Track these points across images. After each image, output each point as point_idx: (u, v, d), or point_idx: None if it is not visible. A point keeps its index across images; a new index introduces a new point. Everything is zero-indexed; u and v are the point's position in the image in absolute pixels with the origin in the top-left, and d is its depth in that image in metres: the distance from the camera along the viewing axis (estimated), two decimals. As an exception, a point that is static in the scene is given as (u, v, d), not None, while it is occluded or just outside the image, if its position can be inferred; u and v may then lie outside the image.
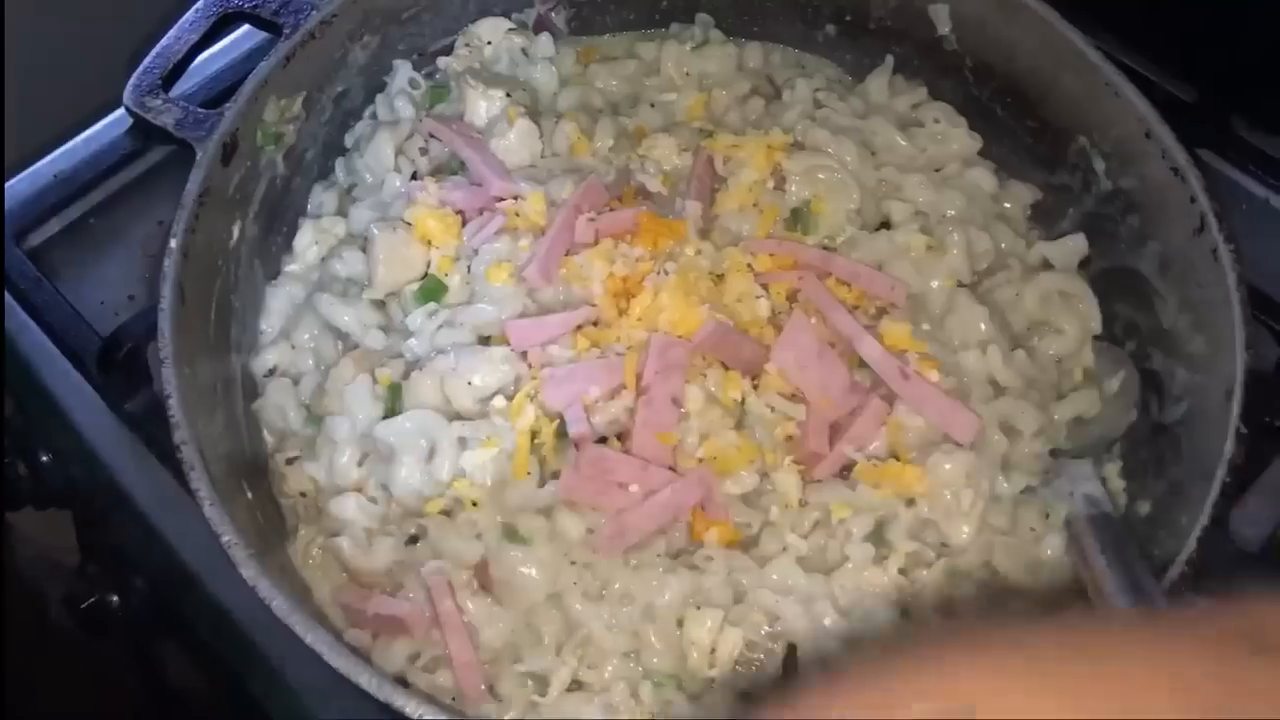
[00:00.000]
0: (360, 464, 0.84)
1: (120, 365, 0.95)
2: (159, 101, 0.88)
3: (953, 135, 0.98)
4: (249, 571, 0.71)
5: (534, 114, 0.98)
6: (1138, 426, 0.89)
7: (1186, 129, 0.88)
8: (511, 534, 0.80)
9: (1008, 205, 0.99)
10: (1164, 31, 1.08)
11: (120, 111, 1.12)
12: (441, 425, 0.82)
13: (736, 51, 1.04)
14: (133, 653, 1.17)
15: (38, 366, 1.00)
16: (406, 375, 0.85)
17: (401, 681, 0.76)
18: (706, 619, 0.77)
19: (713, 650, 0.77)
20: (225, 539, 0.71)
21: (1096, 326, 0.93)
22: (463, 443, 0.83)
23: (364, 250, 0.91)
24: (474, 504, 0.81)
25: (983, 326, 0.89)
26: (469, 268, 0.90)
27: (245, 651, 0.85)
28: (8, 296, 1.03)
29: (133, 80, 0.89)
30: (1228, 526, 0.75)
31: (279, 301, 0.92)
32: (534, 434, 0.83)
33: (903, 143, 0.97)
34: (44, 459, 1.06)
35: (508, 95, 0.97)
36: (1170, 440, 0.85)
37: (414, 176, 0.95)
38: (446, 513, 0.82)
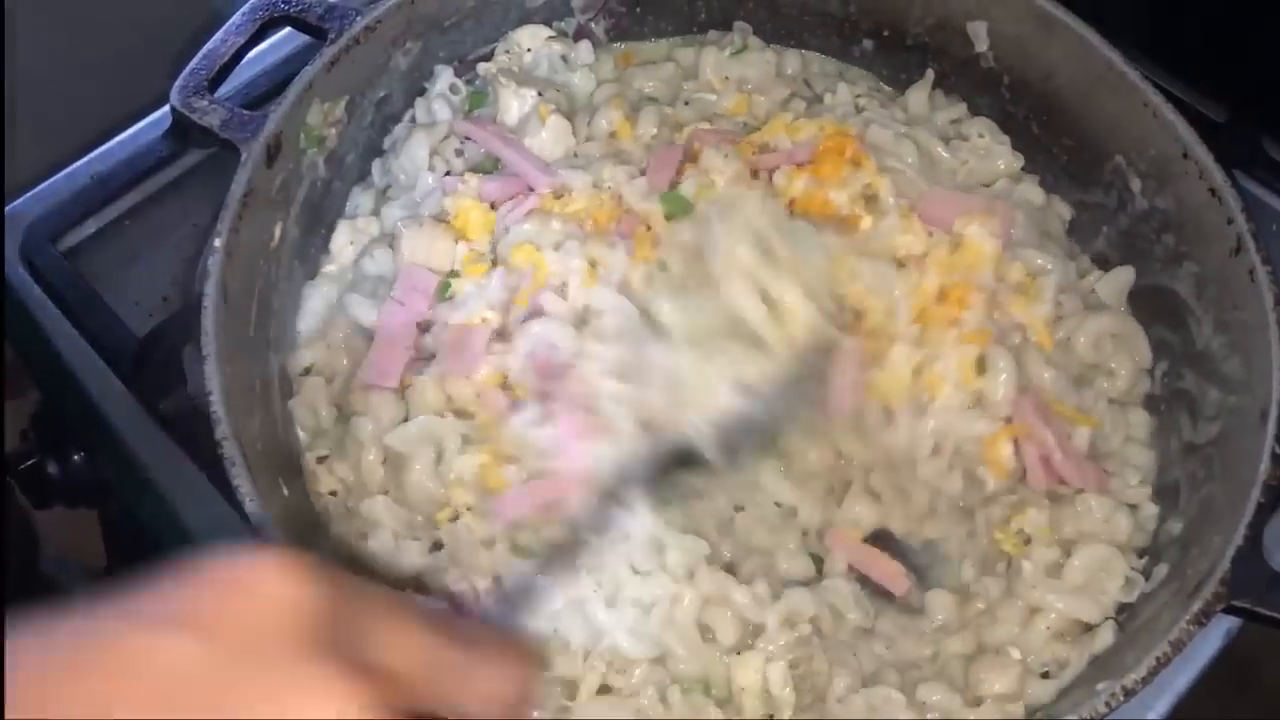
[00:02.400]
0: (384, 463, 0.85)
1: (155, 366, 0.96)
2: (205, 102, 0.89)
3: (997, 151, 0.99)
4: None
5: (569, 113, 0.99)
6: (1169, 446, 0.89)
7: (1217, 149, 0.88)
8: (516, 548, 0.81)
9: (1051, 224, 0.99)
10: (1196, 51, 1.08)
11: (157, 114, 1.14)
12: (446, 426, 0.83)
13: (775, 58, 1.05)
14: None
15: (72, 366, 1.01)
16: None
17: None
18: (750, 660, 0.78)
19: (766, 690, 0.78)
20: (266, 535, 0.72)
21: (1146, 363, 0.93)
22: (465, 441, 0.83)
23: (393, 248, 0.92)
24: (468, 509, 0.82)
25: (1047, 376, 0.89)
26: (495, 249, 0.91)
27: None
28: (45, 295, 1.04)
29: (179, 81, 0.90)
30: (1262, 546, 0.75)
31: (315, 301, 0.93)
32: None
33: (945, 155, 0.98)
34: (76, 458, 1.07)
35: (539, 94, 0.98)
36: (1202, 460, 0.85)
37: (448, 174, 0.96)
38: (455, 519, 0.83)
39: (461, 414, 0.85)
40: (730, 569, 0.82)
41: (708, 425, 0.78)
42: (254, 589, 0.41)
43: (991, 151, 0.99)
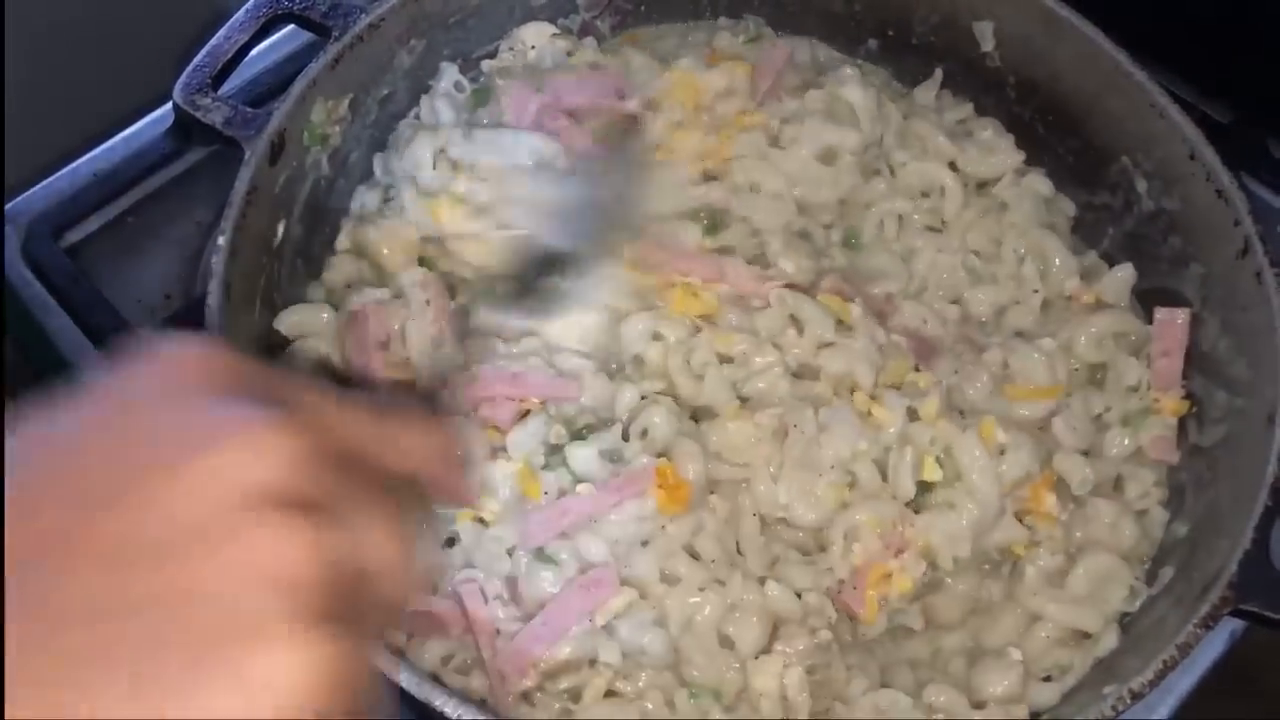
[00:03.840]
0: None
1: (156, 364, 0.95)
2: (208, 100, 0.88)
3: (1001, 147, 0.98)
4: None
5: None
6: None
7: (1223, 151, 0.88)
8: (539, 555, 0.80)
9: (1057, 219, 0.98)
10: (1201, 53, 1.08)
11: (160, 111, 1.13)
12: (474, 432, 0.83)
13: (788, 48, 1.04)
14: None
15: (74, 363, 1.00)
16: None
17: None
18: (770, 668, 0.77)
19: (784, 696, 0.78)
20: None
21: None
22: (492, 450, 0.83)
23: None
24: (494, 516, 0.81)
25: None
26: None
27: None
28: (46, 292, 1.03)
29: (182, 79, 0.89)
30: (1269, 549, 0.75)
31: (319, 299, 0.93)
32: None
33: (945, 144, 0.97)
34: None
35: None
36: (1209, 462, 0.85)
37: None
38: (480, 520, 0.82)
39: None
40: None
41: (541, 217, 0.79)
42: (166, 357, 0.41)
43: (995, 147, 0.98)
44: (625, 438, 0.83)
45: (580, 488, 0.80)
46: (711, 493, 0.83)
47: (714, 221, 0.93)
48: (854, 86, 0.97)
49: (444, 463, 0.48)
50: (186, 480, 0.37)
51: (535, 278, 0.79)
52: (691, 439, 0.83)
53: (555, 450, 0.82)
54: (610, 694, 0.78)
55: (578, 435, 0.83)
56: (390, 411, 0.46)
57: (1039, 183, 0.98)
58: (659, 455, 0.82)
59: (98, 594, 0.35)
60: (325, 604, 0.36)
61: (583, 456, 0.81)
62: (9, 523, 0.35)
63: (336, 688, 0.36)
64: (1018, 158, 0.98)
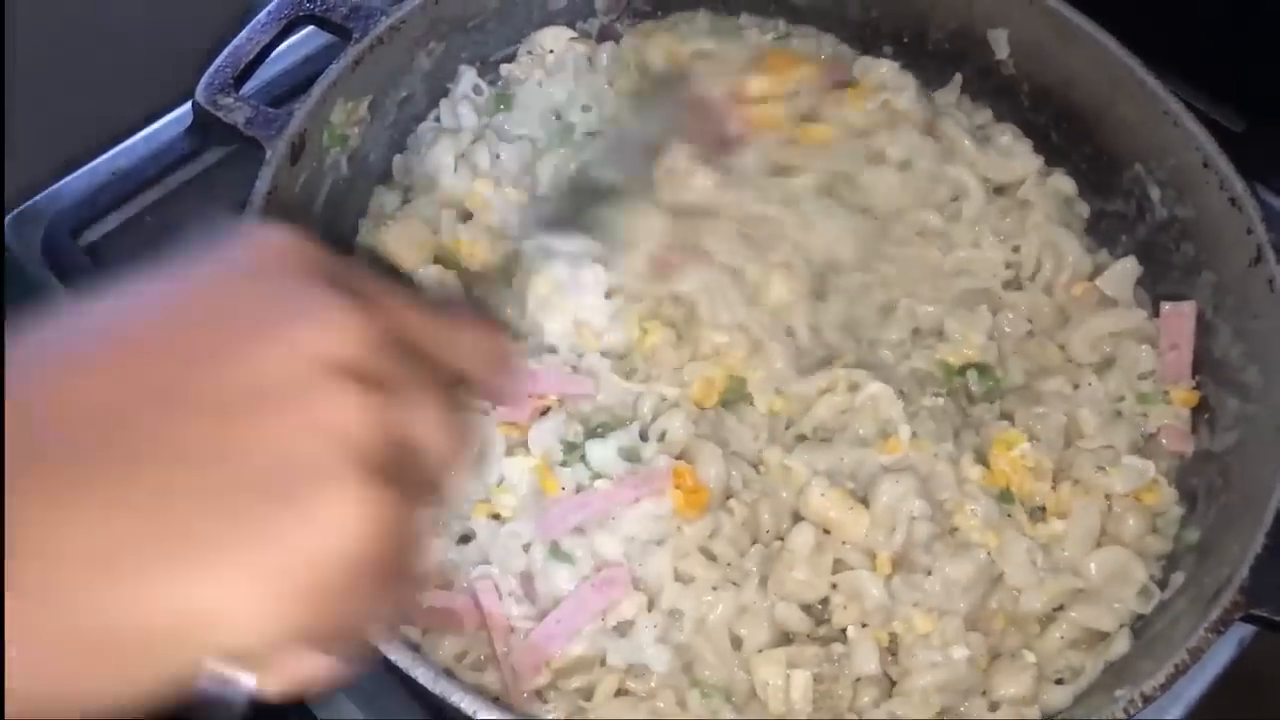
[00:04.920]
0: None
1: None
2: (230, 100, 0.89)
3: (1019, 151, 0.99)
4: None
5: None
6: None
7: (1235, 158, 0.88)
8: (555, 551, 0.81)
9: (1073, 221, 0.99)
10: (1213, 59, 1.08)
11: (179, 111, 1.14)
12: (488, 428, 0.83)
13: (815, 44, 1.05)
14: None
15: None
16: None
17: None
18: (776, 658, 0.78)
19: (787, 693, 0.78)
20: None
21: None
22: (509, 446, 0.84)
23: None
24: (512, 511, 0.82)
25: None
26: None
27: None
28: (64, 290, 1.04)
29: (205, 79, 0.90)
30: (1280, 554, 0.75)
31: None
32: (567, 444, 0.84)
33: (969, 146, 0.98)
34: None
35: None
36: (1220, 468, 0.85)
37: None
38: (496, 516, 0.83)
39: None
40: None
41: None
42: (259, 240, 0.46)
43: (1013, 152, 0.99)
44: (644, 438, 0.84)
45: (598, 483, 0.81)
46: (729, 497, 0.83)
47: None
48: (908, 95, 0.99)
49: (494, 366, 0.52)
50: (273, 346, 0.42)
51: (583, 205, 0.82)
52: (712, 442, 0.84)
53: (573, 448, 0.83)
54: (622, 693, 0.78)
55: (594, 433, 0.84)
56: (451, 313, 0.52)
57: (1063, 182, 0.99)
58: (677, 458, 0.82)
59: (194, 440, 0.40)
60: (381, 463, 0.42)
61: (601, 453, 0.82)
62: (116, 372, 0.41)
63: (387, 535, 0.41)
64: (1036, 162, 0.99)
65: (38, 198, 1.10)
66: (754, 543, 0.83)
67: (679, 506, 0.81)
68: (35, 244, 1.07)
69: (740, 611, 0.80)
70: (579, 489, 0.81)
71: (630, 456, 0.83)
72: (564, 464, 0.82)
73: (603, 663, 0.79)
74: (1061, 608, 0.83)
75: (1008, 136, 1.00)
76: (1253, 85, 1.10)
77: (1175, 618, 0.79)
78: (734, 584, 0.80)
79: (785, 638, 0.81)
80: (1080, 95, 0.97)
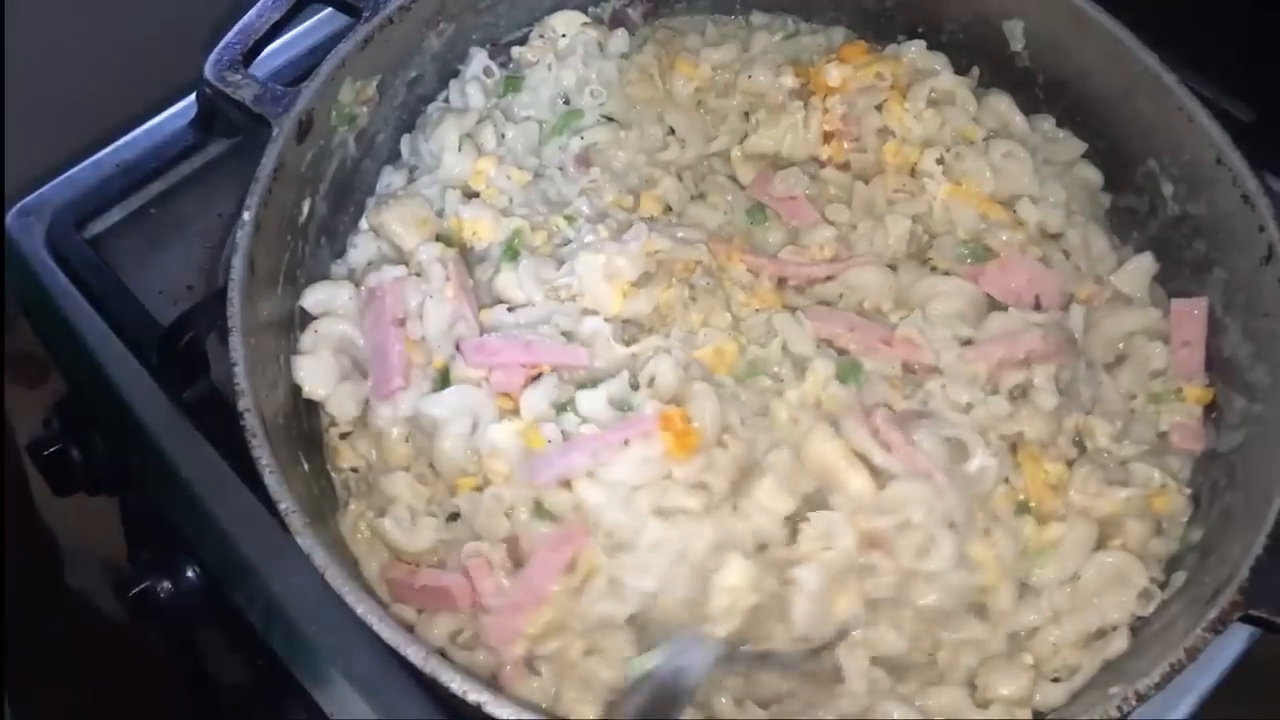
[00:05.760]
0: (407, 441, 0.86)
1: (179, 353, 0.97)
2: (239, 76, 0.89)
3: (1061, 135, 0.99)
4: (305, 540, 0.72)
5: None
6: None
7: (1245, 148, 0.87)
8: (539, 510, 0.80)
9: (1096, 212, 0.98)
10: (1224, 50, 1.07)
11: (182, 104, 1.15)
12: (485, 400, 0.83)
13: (825, 40, 1.05)
14: (176, 639, 1.19)
15: (97, 353, 1.02)
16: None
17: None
18: (739, 569, 0.78)
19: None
20: (283, 506, 0.72)
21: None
22: (503, 416, 0.83)
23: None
24: (505, 479, 0.81)
25: None
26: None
27: (295, 641, 0.87)
28: (70, 282, 1.05)
29: (214, 55, 0.90)
30: (1281, 556, 0.75)
31: (342, 278, 0.94)
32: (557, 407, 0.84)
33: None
34: (98, 445, 1.08)
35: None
36: (1225, 467, 0.85)
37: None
38: (479, 489, 0.83)
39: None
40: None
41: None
42: None
43: (1056, 136, 0.99)
44: (634, 387, 0.84)
45: (583, 428, 0.81)
46: (725, 432, 0.83)
47: None
48: (947, 75, 0.99)
49: None
50: None
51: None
52: (706, 383, 0.83)
53: (563, 408, 0.83)
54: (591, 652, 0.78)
55: (582, 385, 0.84)
56: None
57: (1089, 171, 0.98)
58: (669, 403, 0.82)
59: None
60: None
61: (590, 403, 0.82)
62: None
63: None
64: (1080, 146, 0.99)
65: (43, 190, 1.11)
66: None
67: (670, 448, 0.80)
68: (40, 236, 1.08)
69: (717, 548, 0.79)
70: (566, 438, 0.81)
71: (622, 406, 0.82)
72: (554, 419, 0.82)
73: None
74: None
75: (1049, 123, 1.00)
76: (1264, 75, 1.08)
77: (1174, 617, 0.78)
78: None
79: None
80: (1095, 88, 0.96)
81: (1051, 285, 0.91)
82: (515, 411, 0.83)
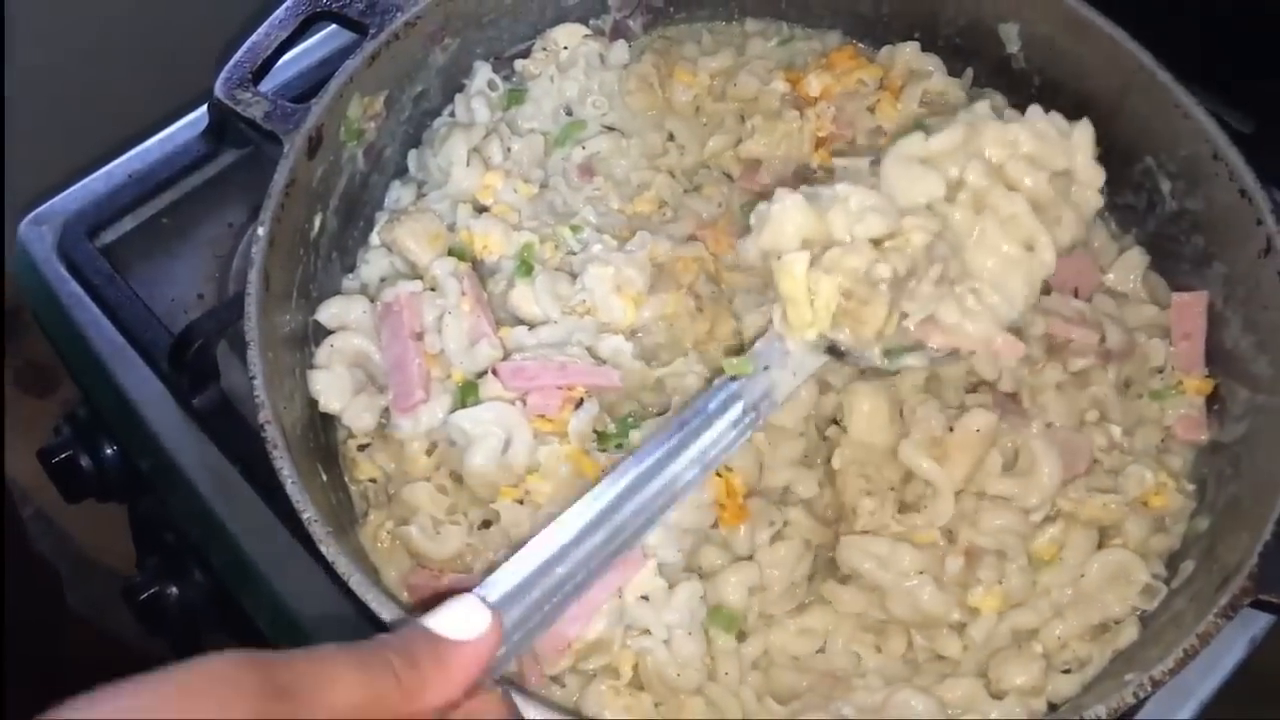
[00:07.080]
0: (429, 454, 0.86)
1: (190, 362, 0.98)
2: (248, 94, 0.90)
3: None
4: (328, 549, 0.72)
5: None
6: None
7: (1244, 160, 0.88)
8: None
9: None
10: (1223, 62, 1.08)
11: (194, 115, 1.16)
12: (519, 418, 0.84)
13: (820, 45, 1.07)
14: (184, 646, 1.20)
15: (108, 361, 1.03)
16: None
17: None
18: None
19: None
20: (306, 515, 0.73)
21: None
22: (538, 435, 0.84)
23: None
24: (548, 499, 0.82)
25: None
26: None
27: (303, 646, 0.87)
28: (82, 290, 1.06)
29: (224, 74, 0.91)
30: (1289, 543, 0.76)
31: (354, 292, 0.94)
32: (598, 433, 0.85)
33: None
34: (109, 452, 1.09)
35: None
36: (1230, 458, 0.86)
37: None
38: (520, 501, 0.83)
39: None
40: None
41: None
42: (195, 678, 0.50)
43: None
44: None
45: None
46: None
47: None
48: (940, 76, 1.01)
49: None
50: None
51: None
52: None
53: (605, 438, 0.84)
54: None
55: (623, 422, 0.85)
56: (413, 666, 0.56)
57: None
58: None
59: None
60: None
61: (641, 438, 0.83)
62: None
63: None
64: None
65: (55, 199, 1.12)
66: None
67: (722, 520, 0.83)
68: (52, 245, 1.09)
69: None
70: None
71: None
72: (601, 449, 0.84)
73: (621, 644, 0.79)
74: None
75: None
76: (1262, 87, 1.10)
77: (1184, 606, 0.79)
78: None
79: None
80: (1091, 89, 0.97)
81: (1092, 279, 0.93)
82: (553, 432, 0.84)
